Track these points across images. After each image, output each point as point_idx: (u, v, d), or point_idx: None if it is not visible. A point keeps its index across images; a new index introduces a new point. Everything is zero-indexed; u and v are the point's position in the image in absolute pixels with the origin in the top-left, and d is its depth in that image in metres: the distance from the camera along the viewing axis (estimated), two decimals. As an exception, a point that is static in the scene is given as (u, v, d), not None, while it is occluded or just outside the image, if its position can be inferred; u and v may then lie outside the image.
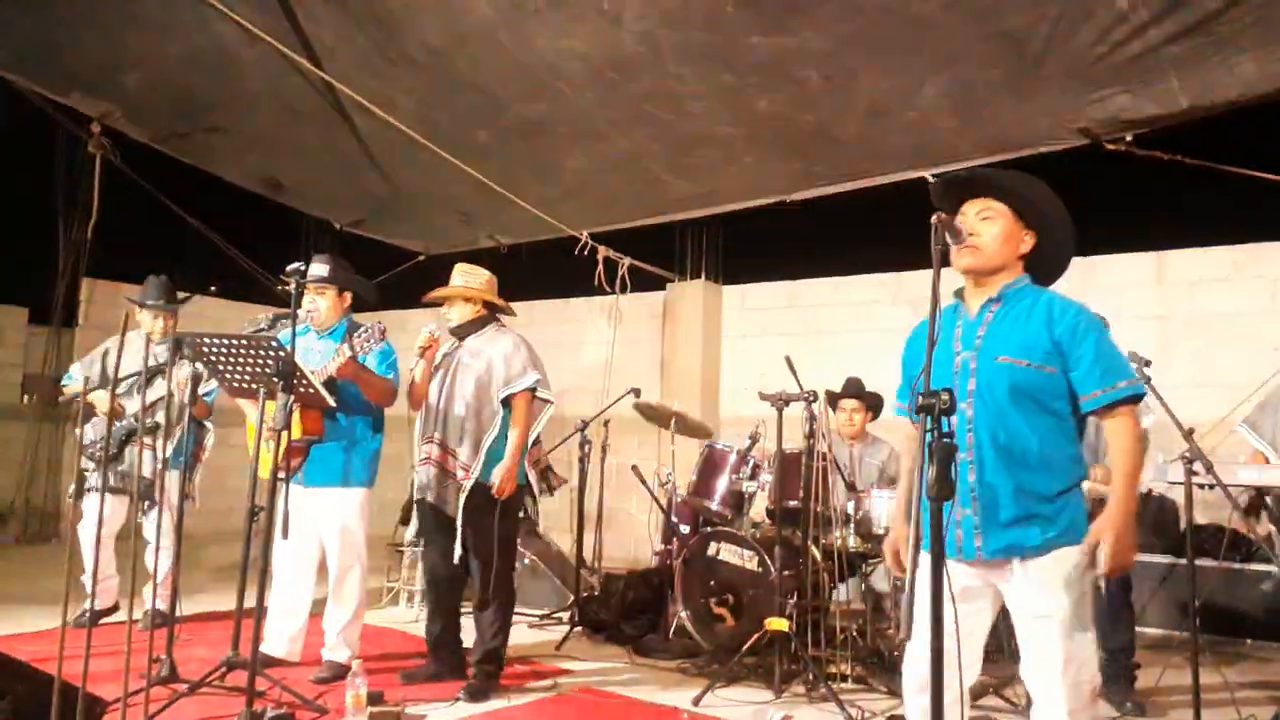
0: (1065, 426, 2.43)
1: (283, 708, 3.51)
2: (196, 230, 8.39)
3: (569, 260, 7.61)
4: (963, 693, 2.41)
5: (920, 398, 2.10)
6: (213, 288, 9.32)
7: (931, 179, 5.56)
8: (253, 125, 6.86)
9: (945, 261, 2.37)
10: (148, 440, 4.90)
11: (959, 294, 2.59)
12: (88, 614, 4.84)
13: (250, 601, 3.50)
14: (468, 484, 4.04)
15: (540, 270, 8.22)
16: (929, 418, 2.09)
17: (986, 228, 2.47)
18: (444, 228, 8.32)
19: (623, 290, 7.69)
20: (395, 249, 9.06)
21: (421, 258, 9.16)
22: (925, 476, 2.08)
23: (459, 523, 4.03)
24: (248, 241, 8.89)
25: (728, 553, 4.81)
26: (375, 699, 3.60)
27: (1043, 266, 2.56)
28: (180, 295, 5.29)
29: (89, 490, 5.00)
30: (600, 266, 7.57)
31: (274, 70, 5.97)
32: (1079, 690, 2.30)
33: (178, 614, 4.22)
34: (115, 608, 5.09)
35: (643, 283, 8.05)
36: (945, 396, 2.07)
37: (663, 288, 8.35)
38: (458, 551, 4.04)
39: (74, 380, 5.17)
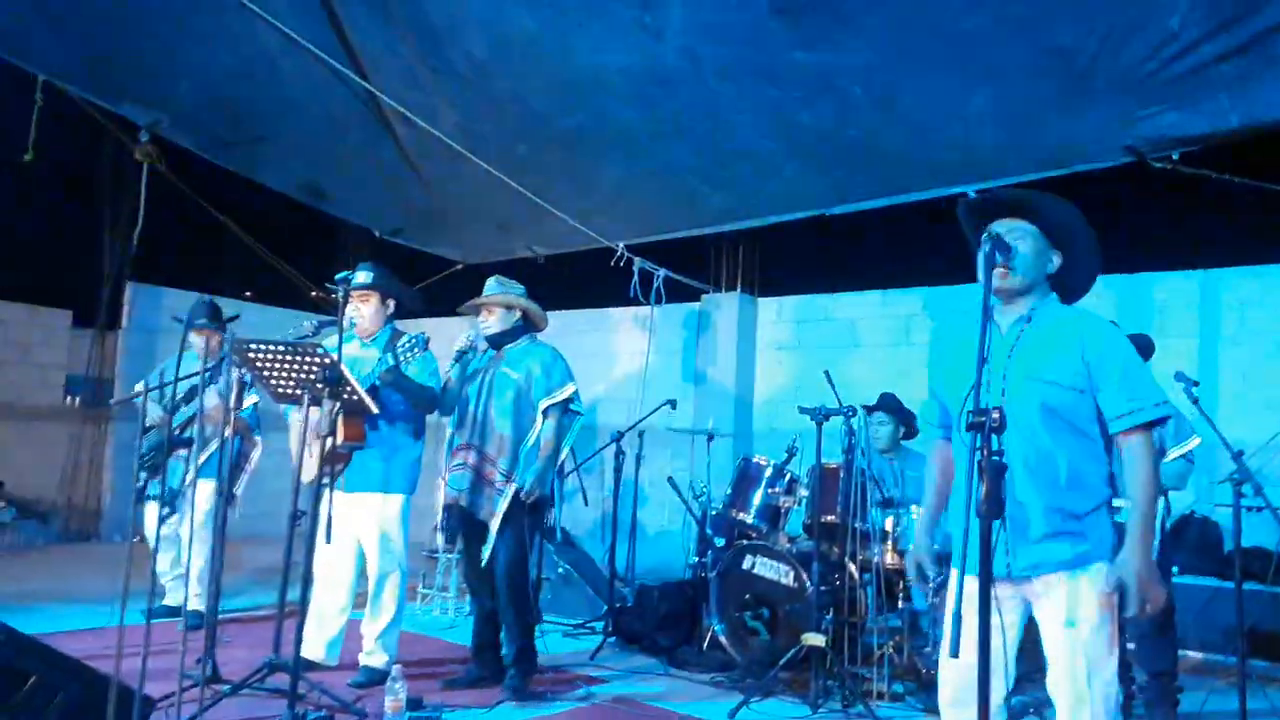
0: (1095, 448, 2.43)
1: (322, 710, 3.54)
2: (238, 236, 8.53)
3: (605, 271, 7.63)
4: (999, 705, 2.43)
5: (970, 415, 2.10)
6: (248, 293, 9.46)
7: (973, 195, 5.56)
8: (297, 134, 6.96)
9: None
10: (181, 452, 5.06)
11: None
12: (165, 607, 5.17)
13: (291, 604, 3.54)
14: (509, 490, 4.10)
15: (576, 281, 8.26)
16: (978, 435, 2.09)
17: (1017, 246, 2.45)
18: (481, 237, 8.38)
19: (658, 301, 7.69)
20: (432, 258, 9.13)
21: (459, 267, 9.23)
22: (974, 494, 2.09)
23: (493, 527, 4.09)
24: (287, 248, 9.02)
25: (763, 567, 4.80)
26: (414, 704, 3.63)
27: (1067, 286, 2.57)
28: (227, 315, 5.43)
29: (147, 497, 5.21)
30: (636, 278, 7.59)
31: (319, 81, 6.06)
32: (1107, 703, 2.35)
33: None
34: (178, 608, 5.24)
35: (678, 294, 8.05)
36: (996, 415, 2.07)
37: (698, 299, 8.36)
38: (485, 555, 4.11)
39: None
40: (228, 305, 5.56)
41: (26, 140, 6.31)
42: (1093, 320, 2.50)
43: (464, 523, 4.23)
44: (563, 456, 4.35)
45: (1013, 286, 2.47)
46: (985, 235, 2.42)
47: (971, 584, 2.26)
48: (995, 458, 2.08)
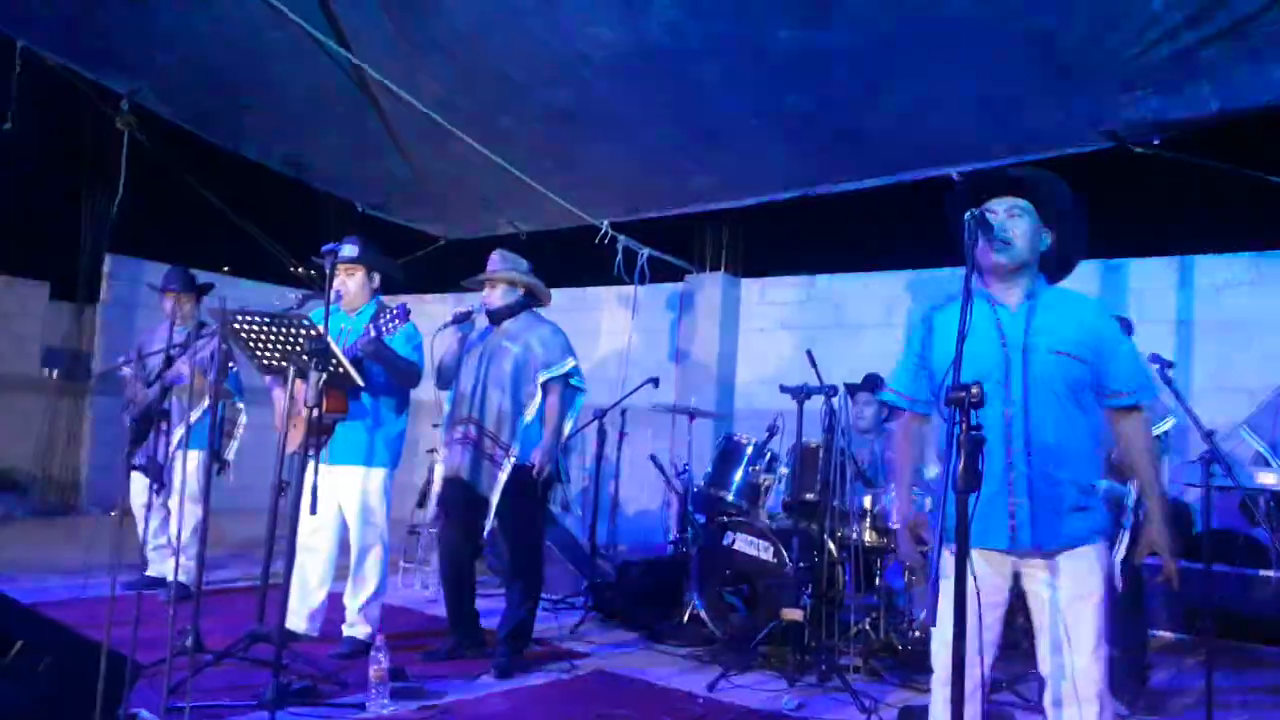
0: (1096, 422, 2.51)
1: (305, 680, 3.57)
2: (218, 209, 8.46)
3: (588, 249, 7.64)
4: (984, 678, 2.51)
5: (949, 391, 2.13)
6: (225, 267, 9.40)
7: (957, 176, 5.61)
8: (279, 106, 6.90)
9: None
10: (163, 425, 5.08)
11: (983, 288, 2.61)
12: (148, 578, 5.16)
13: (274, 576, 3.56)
14: (508, 464, 4.12)
15: (558, 258, 8.25)
16: (958, 410, 2.13)
17: (1016, 224, 2.50)
18: (464, 213, 8.37)
19: (641, 281, 7.71)
20: (414, 233, 9.11)
21: (441, 242, 9.21)
22: (954, 468, 2.13)
23: (494, 501, 4.10)
24: (268, 222, 8.95)
25: (743, 543, 4.85)
26: (397, 674, 3.65)
27: (1053, 266, 2.62)
28: (201, 283, 5.43)
29: (132, 467, 5.29)
30: (620, 256, 7.60)
31: (302, 52, 6.01)
32: (1105, 669, 2.42)
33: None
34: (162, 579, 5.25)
35: (661, 273, 8.07)
36: (975, 390, 2.10)
37: (681, 279, 8.38)
38: (488, 527, 4.12)
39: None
40: (206, 279, 5.54)
41: (4, 109, 6.24)
42: (1089, 298, 2.60)
43: (462, 495, 4.24)
44: (566, 431, 4.36)
45: (1014, 263, 2.50)
46: (968, 215, 2.45)
47: (983, 559, 2.37)
48: (974, 432, 2.12)
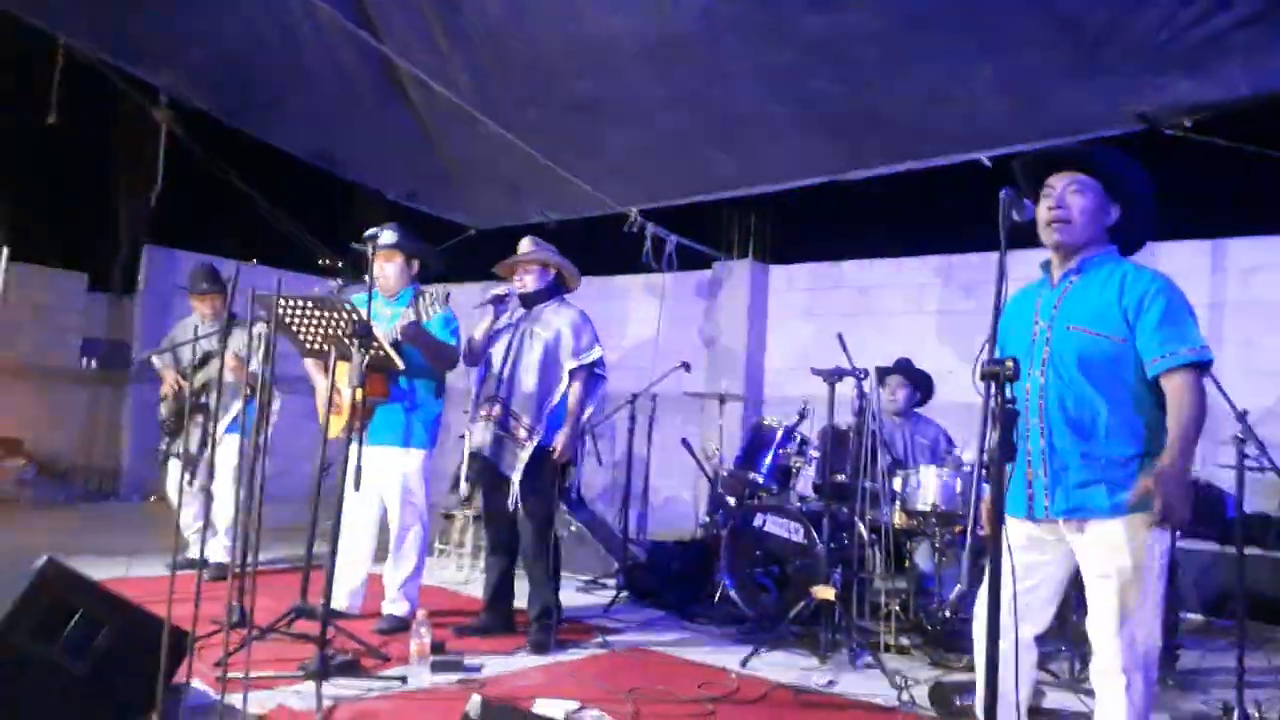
0: (1140, 395, 2.46)
1: (348, 654, 3.66)
2: (252, 200, 8.59)
3: (616, 238, 7.69)
4: (1024, 641, 2.56)
5: (984, 365, 2.18)
6: (253, 259, 9.55)
7: (987, 161, 5.60)
8: (311, 97, 7.00)
9: (1010, 237, 2.41)
10: (199, 418, 5.21)
11: (1045, 267, 2.65)
12: (187, 559, 5.22)
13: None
14: (531, 445, 4.19)
15: (586, 247, 8.30)
16: (992, 383, 2.18)
17: (1076, 200, 2.51)
18: (493, 202, 8.44)
19: (669, 268, 7.76)
20: (443, 224, 9.19)
21: (470, 232, 9.29)
22: (987, 440, 2.18)
23: (515, 480, 4.18)
24: (302, 213, 9.07)
25: (774, 525, 4.90)
26: (438, 648, 3.75)
27: (1124, 238, 2.60)
28: (226, 276, 5.52)
29: (169, 456, 5.45)
30: (648, 244, 7.65)
31: (334, 43, 6.11)
32: (1134, 650, 2.38)
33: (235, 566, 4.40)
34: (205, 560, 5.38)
35: (689, 261, 8.12)
36: (1010, 364, 2.15)
37: (709, 266, 8.42)
38: (511, 505, 4.19)
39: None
40: (240, 269, 5.62)
41: (45, 103, 6.37)
42: (1135, 269, 2.51)
43: (486, 474, 4.33)
44: (585, 417, 4.43)
45: (1073, 241, 2.52)
46: (1003, 193, 2.47)
47: (1011, 523, 2.40)
48: (1009, 405, 2.16)
